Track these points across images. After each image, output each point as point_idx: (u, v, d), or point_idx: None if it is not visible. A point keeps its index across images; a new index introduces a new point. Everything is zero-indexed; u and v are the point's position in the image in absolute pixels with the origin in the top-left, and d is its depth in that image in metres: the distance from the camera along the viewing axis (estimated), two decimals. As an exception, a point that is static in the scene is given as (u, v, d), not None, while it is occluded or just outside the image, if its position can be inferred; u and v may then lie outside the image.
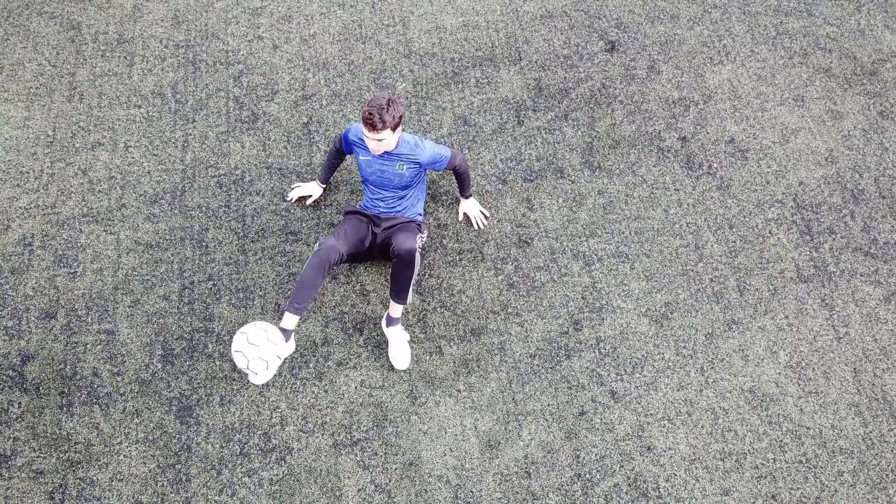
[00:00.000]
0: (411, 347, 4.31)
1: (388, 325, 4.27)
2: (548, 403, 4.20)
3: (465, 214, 4.71)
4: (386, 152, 4.16)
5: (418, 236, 4.25)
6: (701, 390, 4.27)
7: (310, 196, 4.71)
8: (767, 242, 4.73)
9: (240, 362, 3.78)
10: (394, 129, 4.00)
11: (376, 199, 4.34)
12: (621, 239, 4.70)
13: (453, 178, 4.81)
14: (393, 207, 4.35)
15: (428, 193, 4.79)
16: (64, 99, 5.06)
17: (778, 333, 4.45)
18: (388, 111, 3.92)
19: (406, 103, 5.12)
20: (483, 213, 4.71)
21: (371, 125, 3.94)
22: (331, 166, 4.60)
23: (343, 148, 4.42)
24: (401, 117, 3.99)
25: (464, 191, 4.61)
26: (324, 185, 4.68)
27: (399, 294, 4.17)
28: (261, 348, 3.78)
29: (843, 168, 5.03)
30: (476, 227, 4.67)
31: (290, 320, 4.00)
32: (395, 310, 4.23)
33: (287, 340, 3.99)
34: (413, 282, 4.16)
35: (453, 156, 4.36)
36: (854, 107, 5.27)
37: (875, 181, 4.99)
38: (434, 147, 4.26)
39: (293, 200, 4.70)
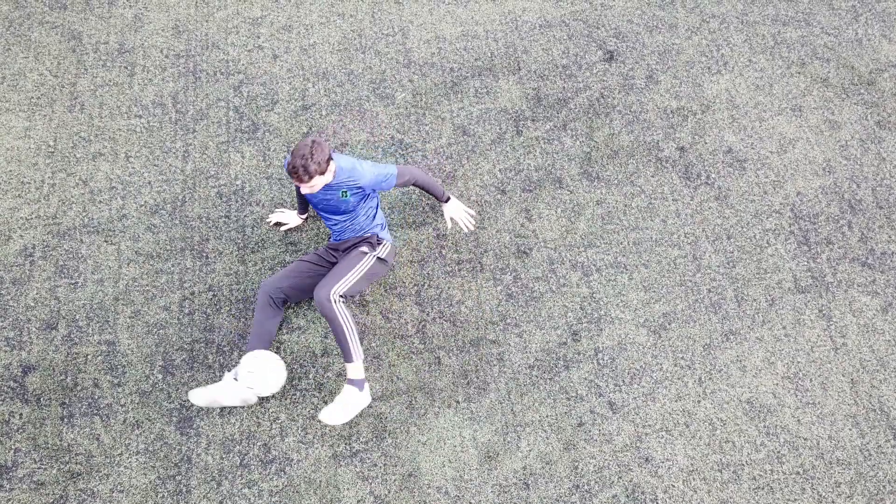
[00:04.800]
0: (410, 359, 4.33)
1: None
2: (546, 414, 4.22)
3: (451, 220, 4.60)
4: (327, 185, 4.08)
5: (342, 282, 4.03)
6: (699, 401, 4.29)
7: (287, 224, 4.67)
8: (765, 253, 4.75)
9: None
10: (322, 173, 3.91)
11: (330, 224, 4.29)
12: (619, 249, 4.72)
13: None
14: (348, 227, 4.26)
15: (427, 203, 4.81)
16: (65, 109, 5.08)
17: (775, 344, 4.47)
18: (311, 160, 3.83)
19: (405, 113, 5.14)
20: (468, 213, 4.61)
21: (297, 178, 3.86)
22: (301, 199, 4.56)
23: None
24: (328, 159, 3.90)
25: (438, 197, 4.49)
26: (303, 216, 4.64)
27: (343, 353, 4.01)
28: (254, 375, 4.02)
29: (840, 178, 5.05)
30: (465, 230, 4.59)
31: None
32: (348, 370, 4.05)
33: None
34: (349, 334, 3.97)
35: (400, 173, 4.21)
36: (852, 116, 5.29)
37: (872, 191, 5.01)
38: (374, 168, 4.12)
39: (271, 224, 4.67)
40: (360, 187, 4.11)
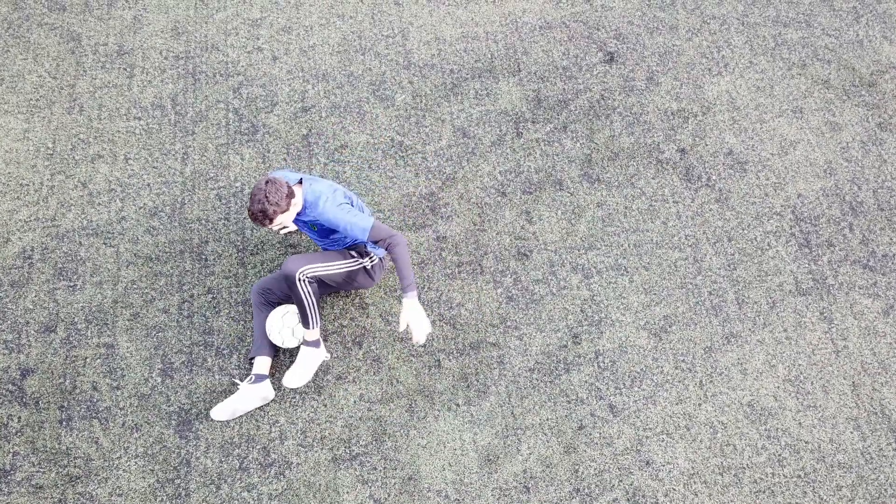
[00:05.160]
0: (410, 362, 4.31)
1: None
2: (547, 417, 4.20)
3: (405, 321, 3.90)
4: (296, 219, 4.03)
5: (311, 267, 3.96)
6: (700, 404, 4.28)
7: (287, 227, 4.62)
8: (766, 255, 4.74)
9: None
10: (285, 211, 3.84)
11: (319, 244, 4.28)
12: (620, 251, 4.71)
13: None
14: (335, 242, 4.19)
15: (426, 205, 4.80)
16: (64, 111, 5.07)
17: (776, 347, 4.46)
18: (268, 202, 3.76)
19: (405, 114, 5.13)
20: (425, 325, 3.90)
21: (259, 223, 3.85)
22: None
23: None
24: (287, 195, 3.80)
25: (401, 281, 3.86)
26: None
27: (302, 320, 4.07)
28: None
29: (841, 180, 5.04)
30: (413, 340, 3.92)
31: (260, 364, 4.13)
32: (305, 334, 4.11)
33: (260, 383, 4.09)
34: (309, 308, 4.00)
35: (375, 229, 3.83)
36: (853, 118, 5.27)
37: (874, 193, 4.99)
38: (342, 215, 3.86)
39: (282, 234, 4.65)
40: (324, 222, 3.94)
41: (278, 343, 4.14)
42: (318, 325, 4.10)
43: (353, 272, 4.18)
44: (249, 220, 3.88)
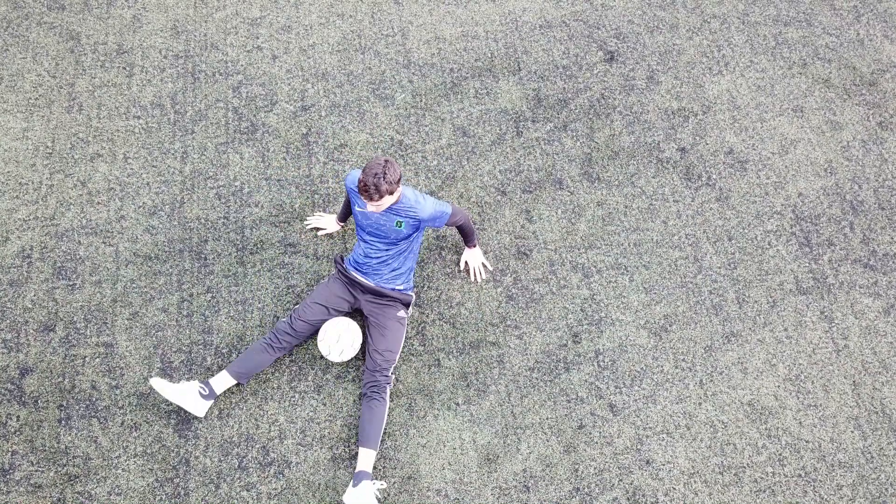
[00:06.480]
0: (409, 361, 4.31)
1: (354, 484, 3.85)
2: (546, 417, 4.19)
3: (465, 263, 4.57)
4: (388, 208, 4.04)
5: (395, 356, 4.14)
6: (700, 403, 4.27)
7: (324, 229, 4.64)
8: (766, 254, 4.73)
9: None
10: (392, 193, 3.87)
11: (368, 248, 4.17)
12: (620, 251, 4.70)
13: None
14: (388, 263, 4.18)
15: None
16: (63, 110, 5.06)
17: (777, 346, 4.45)
18: (384, 178, 3.80)
19: (405, 113, 5.12)
20: (485, 265, 4.59)
21: (367, 196, 3.84)
22: (346, 208, 4.52)
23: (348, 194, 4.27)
24: (398, 179, 3.86)
25: (468, 241, 4.49)
26: (341, 223, 4.61)
27: (366, 438, 3.95)
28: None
29: (842, 179, 5.03)
30: (473, 279, 4.54)
31: (222, 380, 4.07)
32: (364, 459, 3.92)
33: (207, 398, 4.02)
34: (384, 423, 4.03)
35: (453, 212, 4.19)
36: (853, 117, 5.26)
37: (874, 192, 4.98)
38: (435, 204, 4.10)
39: (309, 229, 4.64)
40: (417, 219, 4.04)
41: (324, 352, 4.12)
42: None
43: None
44: (358, 190, 3.86)
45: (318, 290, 4.23)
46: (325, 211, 4.74)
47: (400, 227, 4.06)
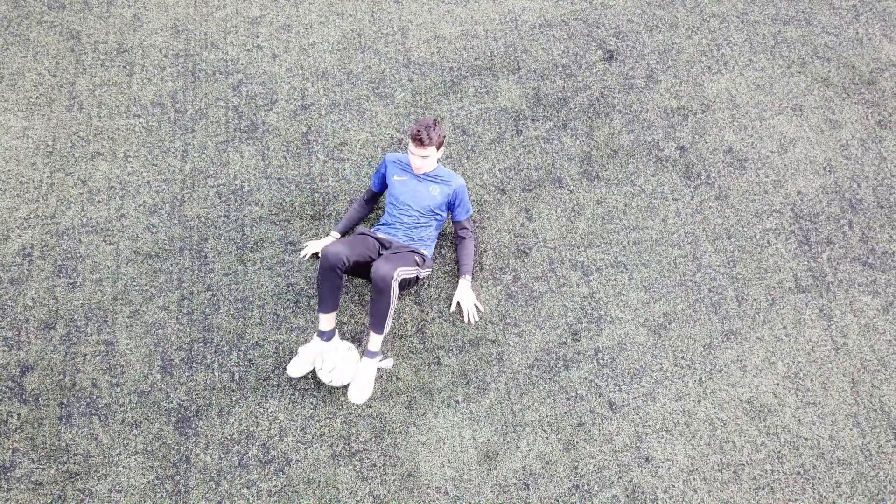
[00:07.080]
0: (409, 359, 4.32)
1: (361, 358, 4.24)
2: (546, 414, 4.20)
3: (457, 304, 4.46)
4: (425, 173, 4.41)
5: (404, 269, 4.16)
6: (699, 401, 4.28)
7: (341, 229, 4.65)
8: (765, 252, 4.74)
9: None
10: (438, 147, 4.32)
11: (402, 214, 4.39)
12: (619, 249, 4.71)
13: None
14: (413, 229, 4.40)
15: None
16: (63, 108, 5.07)
17: (776, 344, 4.46)
18: (434, 129, 4.27)
19: (405, 112, 5.13)
20: (477, 307, 4.46)
21: (419, 141, 4.25)
22: (355, 218, 4.58)
23: (381, 171, 4.52)
24: (443, 139, 4.33)
25: (463, 269, 4.45)
26: (340, 238, 4.58)
27: (375, 323, 4.14)
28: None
29: (841, 178, 5.04)
30: (466, 321, 4.41)
31: (325, 321, 4.19)
32: (373, 341, 4.19)
33: (329, 340, 4.19)
34: (391, 312, 4.12)
35: (471, 219, 4.53)
36: (852, 116, 5.27)
37: (873, 191, 4.99)
38: (466, 191, 4.47)
39: (307, 258, 4.58)
40: (450, 188, 4.40)
41: (325, 380, 4.16)
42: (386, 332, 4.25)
43: (413, 277, 4.29)
44: (411, 137, 4.25)
45: (356, 238, 4.34)
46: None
47: (434, 192, 4.41)
